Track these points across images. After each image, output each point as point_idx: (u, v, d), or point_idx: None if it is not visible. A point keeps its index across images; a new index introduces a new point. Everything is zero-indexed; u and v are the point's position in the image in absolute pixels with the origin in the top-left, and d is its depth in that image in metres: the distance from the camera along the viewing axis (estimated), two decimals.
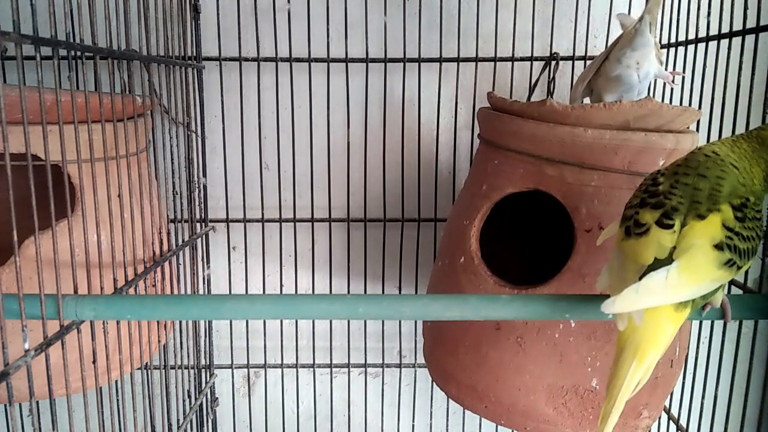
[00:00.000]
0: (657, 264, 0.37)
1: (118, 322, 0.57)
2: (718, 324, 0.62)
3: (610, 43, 0.63)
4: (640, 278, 0.36)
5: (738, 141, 0.42)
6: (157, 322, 0.68)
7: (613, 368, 0.38)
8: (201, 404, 0.83)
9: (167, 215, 0.76)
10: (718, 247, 0.37)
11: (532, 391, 0.55)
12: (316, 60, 0.79)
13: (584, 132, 0.53)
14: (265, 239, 0.85)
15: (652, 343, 0.37)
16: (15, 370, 0.37)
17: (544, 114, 0.55)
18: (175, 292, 0.74)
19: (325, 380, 0.90)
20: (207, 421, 0.86)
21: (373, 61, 0.79)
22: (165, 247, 0.69)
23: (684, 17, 0.72)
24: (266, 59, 0.79)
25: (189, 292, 0.79)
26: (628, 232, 0.39)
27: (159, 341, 0.69)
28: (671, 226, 0.37)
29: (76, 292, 0.45)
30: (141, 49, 0.59)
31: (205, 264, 0.84)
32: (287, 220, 0.84)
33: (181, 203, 0.74)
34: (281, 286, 0.85)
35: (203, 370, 0.85)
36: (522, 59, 0.79)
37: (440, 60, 0.79)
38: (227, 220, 0.84)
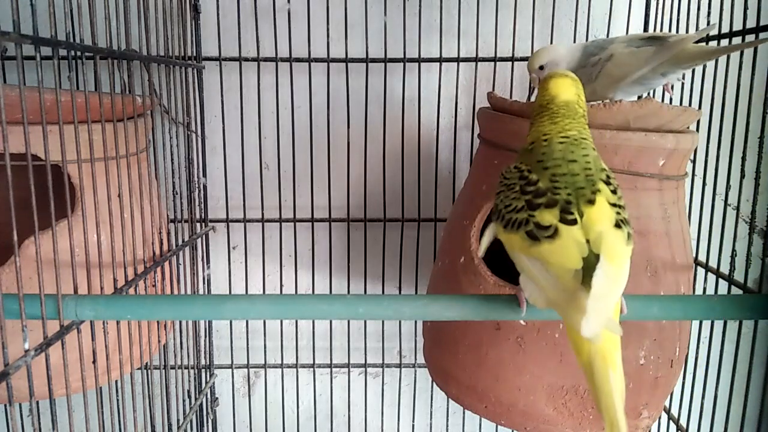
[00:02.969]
0: (586, 263, 0.36)
1: (118, 322, 0.57)
2: (718, 324, 0.62)
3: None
4: (583, 282, 0.35)
5: (563, 117, 0.44)
6: (157, 322, 0.68)
7: (596, 389, 0.36)
8: (201, 404, 0.83)
9: (167, 215, 0.76)
10: (617, 225, 0.37)
11: (532, 391, 0.55)
12: (316, 60, 0.79)
13: None
14: (265, 239, 0.85)
15: (613, 344, 0.36)
16: (15, 370, 0.37)
17: None
18: (175, 292, 0.74)
19: (325, 380, 0.90)
20: (207, 421, 0.86)
21: (373, 61, 0.79)
22: (165, 247, 0.69)
23: (684, 17, 0.72)
24: (266, 59, 0.79)
25: (189, 292, 0.79)
26: (534, 236, 0.38)
27: (159, 341, 0.69)
28: (575, 221, 0.37)
29: (76, 292, 0.45)
30: (141, 49, 0.59)
31: (205, 264, 0.84)
32: (287, 220, 0.84)
33: (181, 203, 0.74)
34: (281, 286, 0.85)
35: (203, 370, 0.85)
36: (522, 59, 0.79)
37: (440, 60, 0.79)
38: (227, 220, 0.84)
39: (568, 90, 0.46)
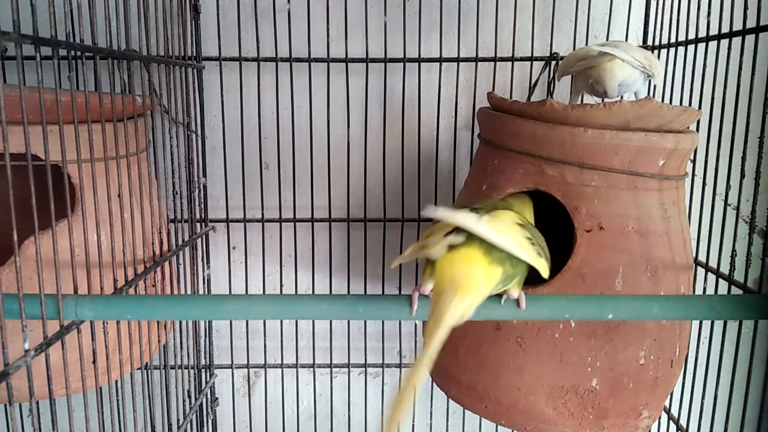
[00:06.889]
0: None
1: (118, 322, 0.57)
2: (718, 324, 0.62)
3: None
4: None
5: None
6: (157, 322, 0.68)
7: (434, 308, 0.38)
8: (201, 404, 0.83)
9: (167, 215, 0.76)
10: (520, 225, 0.43)
11: (532, 391, 0.55)
12: (316, 60, 0.79)
13: (584, 132, 0.53)
14: (265, 239, 0.85)
15: (470, 284, 0.39)
16: (15, 370, 0.37)
17: (544, 114, 0.55)
18: (175, 292, 0.74)
19: (325, 380, 0.90)
20: (207, 421, 0.86)
21: (373, 61, 0.79)
22: (165, 247, 0.69)
23: (684, 17, 0.72)
24: (266, 59, 0.79)
25: (189, 292, 0.79)
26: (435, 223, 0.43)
27: (159, 341, 0.69)
28: (477, 210, 0.43)
29: (76, 292, 0.45)
30: (141, 49, 0.59)
31: (205, 264, 0.84)
32: (287, 220, 0.84)
33: (181, 203, 0.74)
34: (281, 286, 0.85)
35: (203, 370, 0.85)
36: (522, 59, 0.79)
37: (440, 60, 0.79)
38: (227, 220, 0.84)
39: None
